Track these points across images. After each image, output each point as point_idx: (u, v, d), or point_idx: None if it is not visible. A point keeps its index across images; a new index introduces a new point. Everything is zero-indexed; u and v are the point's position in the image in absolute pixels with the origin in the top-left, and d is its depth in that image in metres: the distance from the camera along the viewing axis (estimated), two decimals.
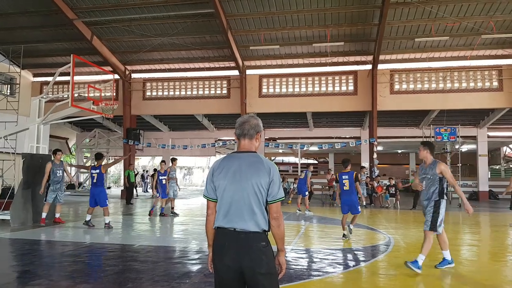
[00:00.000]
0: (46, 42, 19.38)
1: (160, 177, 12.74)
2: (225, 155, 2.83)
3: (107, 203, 9.92)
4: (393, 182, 17.31)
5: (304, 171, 14.80)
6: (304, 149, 23.80)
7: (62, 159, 10.97)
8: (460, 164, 18.94)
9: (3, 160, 12.72)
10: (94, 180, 9.94)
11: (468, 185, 22.99)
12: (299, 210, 14.08)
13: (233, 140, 22.90)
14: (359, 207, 8.62)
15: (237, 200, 2.61)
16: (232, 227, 2.60)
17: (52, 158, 10.67)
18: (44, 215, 10.29)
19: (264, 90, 19.83)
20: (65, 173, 10.79)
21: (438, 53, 18.28)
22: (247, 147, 2.76)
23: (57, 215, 10.68)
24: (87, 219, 9.96)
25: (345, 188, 8.51)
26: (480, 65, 18.44)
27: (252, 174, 2.60)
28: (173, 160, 13.42)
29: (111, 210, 13.23)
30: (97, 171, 9.95)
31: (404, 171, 32.39)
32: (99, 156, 10.40)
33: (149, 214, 12.75)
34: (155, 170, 25.60)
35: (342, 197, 8.63)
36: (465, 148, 25.12)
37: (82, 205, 16.34)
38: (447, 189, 6.04)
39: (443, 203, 5.73)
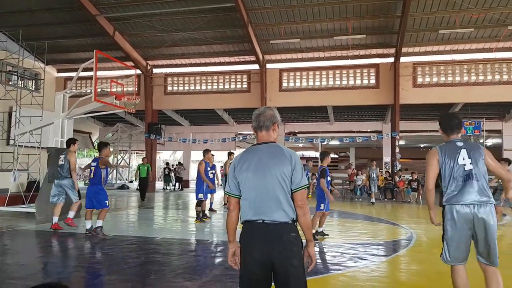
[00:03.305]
0: (70, 38, 19.71)
1: (210, 171, 10.88)
2: (244, 149, 2.82)
3: (107, 204, 8.02)
4: (415, 176, 17.04)
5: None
6: (325, 143, 23.66)
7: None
8: None
9: (28, 154, 13.04)
10: (91, 175, 8.02)
11: (493, 180, 22.43)
12: None
13: (253, 134, 22.84)
14: (321, 205, 7.66)
15: (262, 191, 2.58)
16: (260, 219, 2.57)
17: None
18: (72, 214, 8.79)
19: (285, 84, 19.74)
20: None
21: (462, 45, 17.81)
22: (265, 139, 2.75)
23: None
24: (88, 226, 7.99)
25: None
26: (505, 57, 17.89)
27: (275, 164, 2.58)
28: (230, 154, 12.88)
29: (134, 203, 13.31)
30: (95, 164, 8.03)
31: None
32: (100, 146, 8.34)
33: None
34: (179, 163, 26.09)
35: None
36: (490, 142, 24.53)
37: None
38: None
39: None
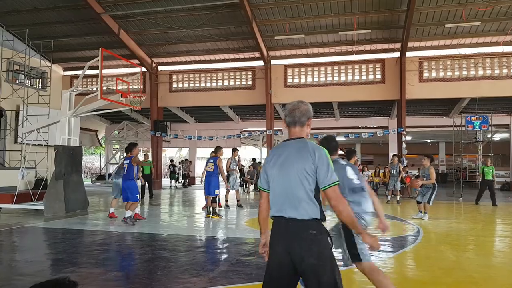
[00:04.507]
0: (75, 36, 19.78)
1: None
2: (278, 144, 2.79)
3: (138, 197, 9.20)
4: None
5: None
6: None
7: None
8: (492, 154, 18.35)
9: (36, 152, 13.13)
10: (125, 172, 9.24)
11: (501, 176, 22.31)
12: None
13: (258, 131, 22.91)
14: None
15: (284, 188, 2.57)
16: (281, 215, 2.56)
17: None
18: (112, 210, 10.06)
19: (289, 80, 19.69)
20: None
21: (469, 39, 17.65)
22: (297, 134, 2.69)
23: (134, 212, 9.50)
24: (128, 215, 9.00)
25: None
26: None
27: (297, 161, 2.54)
28: (234, 150, 13.02)
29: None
30: (128, 161, 9.26)
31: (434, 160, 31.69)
32: (130, 146, 9.54)
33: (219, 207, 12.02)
34: (185, 160, 26.17)
35: None
36: (497, 137, 24.36)
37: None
38: None
39: None
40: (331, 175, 2.50)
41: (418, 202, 10.48)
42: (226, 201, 12.76)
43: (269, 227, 2.80)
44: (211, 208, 10.30)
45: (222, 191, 12.77)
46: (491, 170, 14.05)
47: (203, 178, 10.84)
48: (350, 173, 3.88)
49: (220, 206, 12.09)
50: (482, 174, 14.39)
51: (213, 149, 11.38)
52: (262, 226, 2.82)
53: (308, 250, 2.45)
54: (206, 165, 10.71)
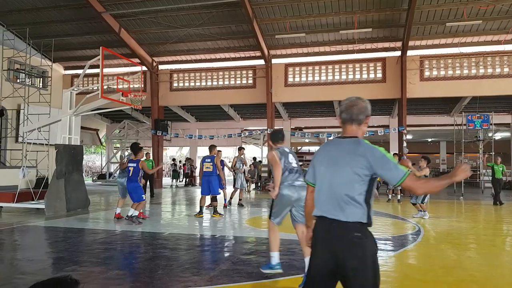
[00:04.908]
0: (76, 35, 19.78)
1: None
2: (330, 139, 2.72)
3: (144, 197, 9.17)
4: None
5: None
6: (331, 138, 23.56)
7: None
8: (493, 153, 18.33)
9: (37, 151, 13.13)
10: (130, 174, 9.12)
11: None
12: None
13: (259, 130, 22.90)
14: None
15: (332, 188, 2.46)
16: (325, 215, 2.46)
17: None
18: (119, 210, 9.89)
19: (290, 79, 19.67)
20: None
21: (470, 38, 17.61)
22: (353, 133, 2.55)
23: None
24: (131, 213, 9.15)
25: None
26: None
27: (349, 162, 2.42)
28: (240, 149, 13.01)
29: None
30: (134, 164, 9.13)
31: (435, 159, 31.65)
32: (137, 150, 9.37)
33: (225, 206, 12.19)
34: (188, 158, 26.17)
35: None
36: (498, 136, 24.34)
37: (114, 194, 16.75)
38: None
39: None
40: (398, 170, 2.37)
41: (413, 204, 10.49)
42: (240, 199, 12.84)
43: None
44: (204, 207, 10.42)
45: (229, 190, 12.86)
46: (501, 169, 13.99)
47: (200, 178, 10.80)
48: (291, 158, 4.88)
49: (225, 206, 12.17)
50: (492, 172, 14.28)
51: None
52: (307, 220, 2.76)
53: (349, 253, 2.35)
54: (203, 164, 10.53)
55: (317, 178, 2.59)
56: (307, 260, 4.60)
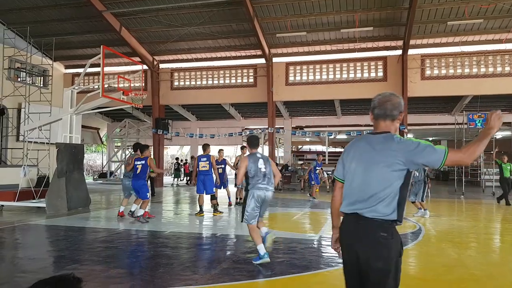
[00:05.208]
0: (77, 34, 19.77)
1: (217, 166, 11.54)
2: (361, 135, 2.68)
3: (148, 196, 9.27)
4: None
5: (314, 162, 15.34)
6: (332, 137, 23.58)
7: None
8: (494, 152, 18.30)
9: (38, 149, 13.15)
10: (138, 172, 9.12)
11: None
12: (314, 198, 14.26)
13: (260, 129, 22.91)
14: None
15: (362, 184, 2.41)
16: (353, 212, 2.41)
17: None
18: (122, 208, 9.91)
19: (291, 78, 19.66)
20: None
21: (471, 37, 17.58)
22: (386, 129, 2.52)
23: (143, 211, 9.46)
24: (134, 209, 9.31)
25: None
26: None
27: (382, 159, 2.36)
28: (243, 148, 12.46)
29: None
30: (143, 162, 9.15)
31: None
32: (143, 148, 9.47)
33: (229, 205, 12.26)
34: (191, 157, 26.17)
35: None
36: (499, 135, 24.31)
37: (114, 193, 16.76)
38: None
39: None
40: (437, 151, 2.28)
41: (412, 202, 10.47)
42: (240, 198, 12.65)
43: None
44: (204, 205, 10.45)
45: (231, 189, 12.89)
46: (509, 167, 13.85)
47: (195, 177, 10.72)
48: (261, 163, 5.60)
49: (230, 205, 12.19)
50: (500, 171, 14.10)
51: (216, 147, 11.41)
52: (334, 219, 2.67)
53: (374, 252, 2.31)
54: (199, 164, 10.43)
55: (346, 174, 2.55)
56: (259, 247, 5.37)
